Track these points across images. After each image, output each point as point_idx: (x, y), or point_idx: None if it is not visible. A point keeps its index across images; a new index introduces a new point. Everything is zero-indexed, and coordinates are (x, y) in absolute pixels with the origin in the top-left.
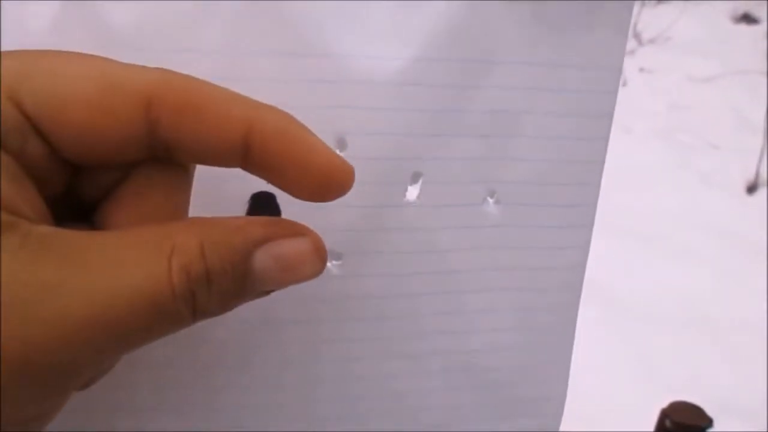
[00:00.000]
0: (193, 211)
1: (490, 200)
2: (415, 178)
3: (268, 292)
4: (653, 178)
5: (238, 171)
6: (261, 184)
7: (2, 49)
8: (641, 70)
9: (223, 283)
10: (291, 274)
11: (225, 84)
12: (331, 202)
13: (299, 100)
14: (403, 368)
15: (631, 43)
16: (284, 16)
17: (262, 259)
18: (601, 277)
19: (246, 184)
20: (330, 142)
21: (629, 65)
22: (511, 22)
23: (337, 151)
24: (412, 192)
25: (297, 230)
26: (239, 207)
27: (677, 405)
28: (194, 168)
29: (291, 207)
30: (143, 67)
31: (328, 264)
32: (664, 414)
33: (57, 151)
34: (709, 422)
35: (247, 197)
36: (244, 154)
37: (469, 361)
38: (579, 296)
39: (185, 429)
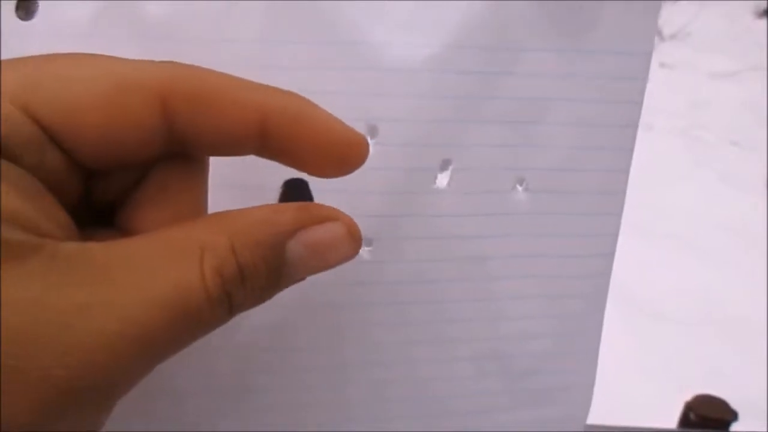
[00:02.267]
0: (225, 201)
1: (519, 187)
2: (444, 165)
3: (302, 279)
4: (672, 175)
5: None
6: (293, 171)
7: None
8: (662, 65)
9: (258, 279)
10: (326, 260)
11: (261, 72)
12: (358, 184)
13: (331, 87)
14: (432, 354)
15: None
16: (316, 5)
17: (295, 248)
18: (619, 274)
19: (277, 171)
20: (361, 128)
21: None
22: (540, 9)
23: (369, 138)
24: (442, 179)
25: (328, 215)
26: (271, 195)
27: (702, 398)
28: (209, 161)
29: (323, 194)
30: (152, 62)
31: (360, 250)
32: (689, 407)
33: (75, 158)
34: (734, 416)
35: (278, 184)
36: (260, 139)
37: (498, 348)
38: (608, 285)
39: (220, 409)
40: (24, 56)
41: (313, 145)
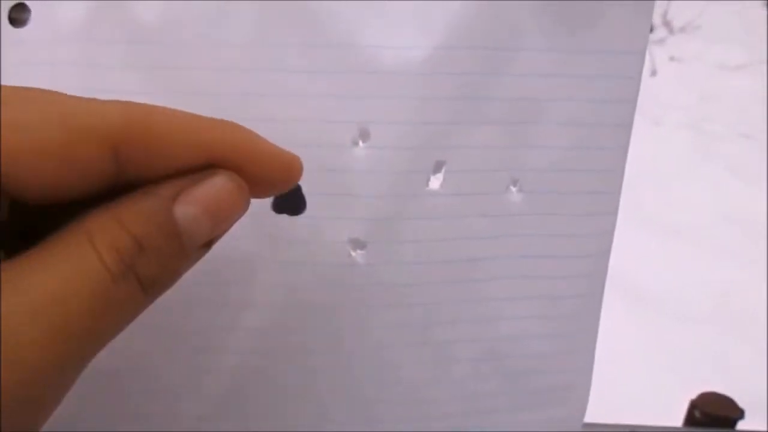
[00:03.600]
0: None
1: (513, 188)
2: (437, 167)
3: (209, 246)
4: (681, 168)
5: None
6: None
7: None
8: (671, 59)
9: (158, 245)
10: (219, 215)
11: (252, 75)
12: (350, 187)
13: (323, 90)
14: (428, 356)
15: (661, 32)
16: (307, 8)
17: (182, 210)
18: (628, 269)
19: None
20: (353, 131)
21: (659, 54)
22: (532, 9)
23: (360, 142)
24: (435, 181)
25: (210, 172)
26: (265, 199)
27: (707, 396)
28: None
29: (316, 197)
30: (104, 104)
31: (353, 253)
32: (694, 405)
33: (13, 196)
34: (741, 414)
35: None
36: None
37: (494, 349)
38: (603, 284)
39: (216, 412)
40: None
41: (254, 172)
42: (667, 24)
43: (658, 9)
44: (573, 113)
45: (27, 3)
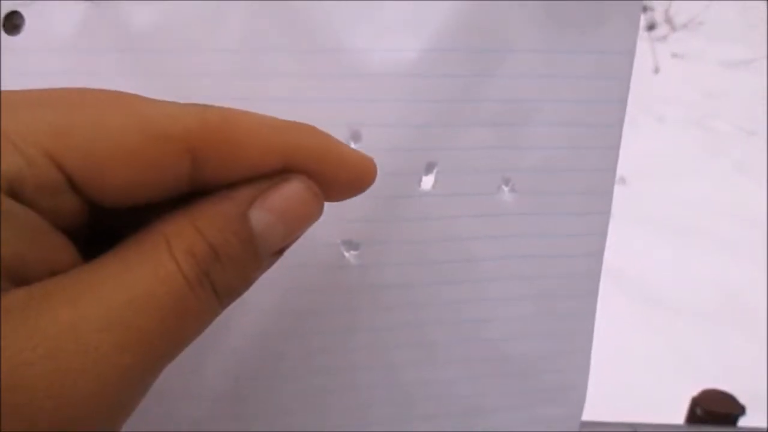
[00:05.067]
0: None
1: (505, 189)
2: (429, 168)
3: (281, 252)
4: (686, 166)
5: None
6: None
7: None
8: (674, 56)
9: (233, 252)
10: (294, 222)
11: (245, 80)
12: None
13: (315, 93)
14: (422, 357)
15: (663, 29)
16: (298, 12)
17: (258, 215)
18: (631, 266)
19: None
20: (345, 133)
21: (661, 51)
22: (522, 10)
23: (352, 143)
24: (427, 182)
25: (285, 177)
26: None
27: (709, 393)
28: None
29: None
30: (183, 107)
31: (346, 254)
32: (695, 402)
33: (93, 200)
34: (742, 410)
35: None
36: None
37: (488, 349)
38: (598, 283)
39: (212, 414)
40: (54, 90)
41: (330, 176)
42: (669, 21)
43: (661, 6)
44: (563, 113)
45: (21, 11)
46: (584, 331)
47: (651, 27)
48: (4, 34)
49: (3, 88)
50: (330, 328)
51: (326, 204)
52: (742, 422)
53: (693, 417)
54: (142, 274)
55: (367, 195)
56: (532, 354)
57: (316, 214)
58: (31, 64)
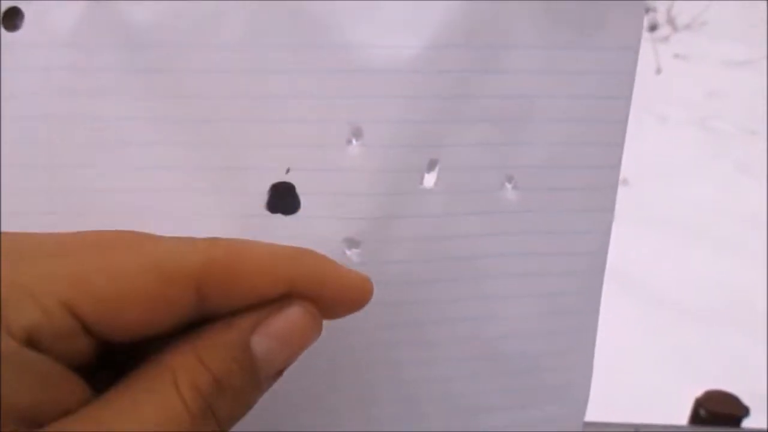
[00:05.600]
0: (213, 207)
1: (508, 186)
2: (431, 166)
3: (281, 373)
4: (688, 166)
5: (256, 162)
6: (280, 175)
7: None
8: (676, 56)
9: (236, 382)
10: (294, 345)
11: (245, 76)
12: (344, 186)
13: (315, 90)
14: (424, 355)
15: (665, 29)
16: (299, 9)
17: (260, 342)
18: (634, 267)
19: (264, 175)
20: (346, 131)
21: (664, 52)
22: (524, 6)
23: (353, 141)
24: (429, 179)
25: (285, 303)
26: (259, 200)
27: (712, 394)
28: None
29: (310, 197)
30: (189, 243)
31: (347, 252)
32: (699, 403)
33: (104, 339)
34: (746, 411)
35: (266, 188)
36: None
37: (491, 347)
38: (602, 281)
39: None
40: (69, 235)
41: (328, 299)
42: (671, 22)
43: (663, 6)
44: (567, 110)
45: (20, 7)
46: (587, 330)
47: (653, 28)
48: (3, 30)
49: (3, 84)
50: (330, 325)
51: (326, 202)
52: (746, 423)
53: (696, 418)
54: (148, 409)
55: (368, 192)
56: (534, 352)
57: (315, 335)
58: (31, 60)
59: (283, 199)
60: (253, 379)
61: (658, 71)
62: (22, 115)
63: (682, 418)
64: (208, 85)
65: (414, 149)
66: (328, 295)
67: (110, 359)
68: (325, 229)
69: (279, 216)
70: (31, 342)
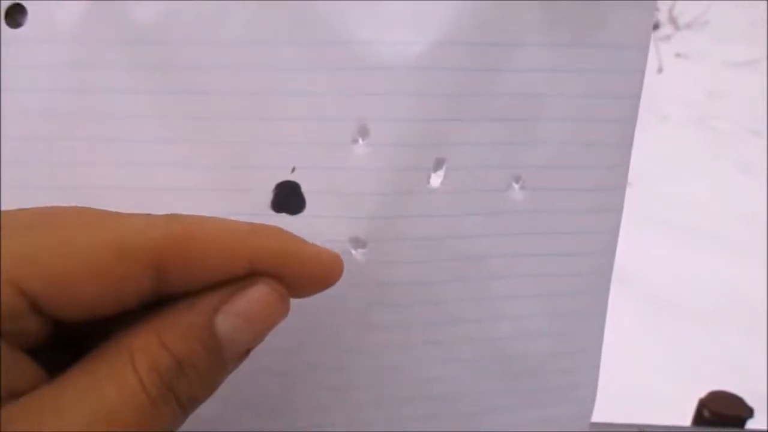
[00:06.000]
0: (216, 205)
1: (516, 185)
2: (438, 165)
3: (247, 353)
4: (689, 166)
5: (261, 160)
6: (285, 174)
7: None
8: (677, 55)
9: (198, 362)
10: (260, 325)
11: (250, 73)
12: (350, 185)
13: (321, 87)
14: (431, 355)
15: (667, 29)
16: (304, 5)
17: (223, 321)
18: (637, 267)
19: (269, 174)
20: (352, 129)
21: (665, 51)
22: (533, 4)
23: (360, 139)
24: (436, 178)
25: (250, 281)
26: (263, 199)
27: (716, 394)
28: None
29: (315, 196)
30: (147, 220)
31: (353, 251)
32: (702, 404)
33: (57, 318)
34: (750, 413)
35: (270, 187)
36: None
37: (498, 348)
38: (609, 282)
39: (221, 412)
40: (21, 212)
41: (295, 276)
42: (673, 21)
43: (664, 6)
44: (576, 109)
45: (24, 4)
46: (594, 330)
47: (655, 27)
48: (6, 27)
49: (6, 82)
50: (336, 325)
51: (332, 201)
52: (750, 424)
53: (700, 419)
54: (105, 391)
55: (375, 192)
56: (541, 353)
57: (282, 314)
58: (34, 57)
59: (288, 198)
60: (217, 360)
61: (660, 70)
62: (25, 111)
63: (685, 418)
64: (213, 83)
65: (421, 148)
66: (294, 272)
67: (71, 343)
68: (330, 229)
69: (284, 215)
70: None
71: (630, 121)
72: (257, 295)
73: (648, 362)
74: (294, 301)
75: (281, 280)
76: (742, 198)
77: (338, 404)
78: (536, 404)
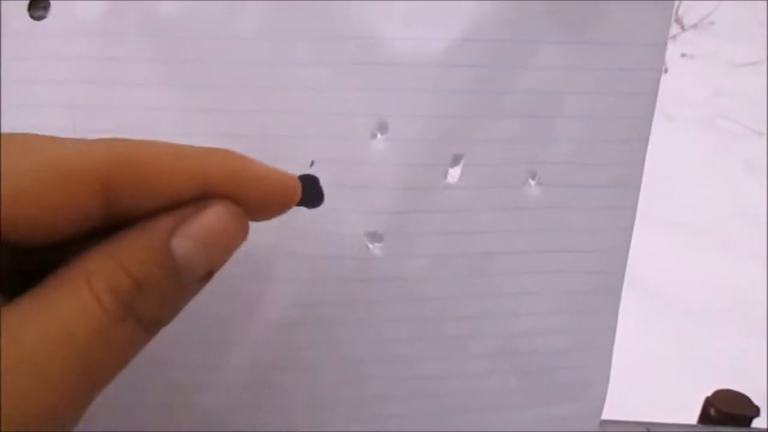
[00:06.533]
0: None
1: (532, 182)
2: (455, 160)
3: (210, 275)
4: (695, 166)
5: (279, 154)
6: (304, 168)
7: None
8: (683, 55)
9: (157, 283)
10: (217, 247)
11: (269, 69)
12: (368, 180)
13: (340, 83)
14: (444, 351)
15: (673, 29)
16: (324, 1)
17: (179, 244)
18: (641, 267)
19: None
20: (371, 124)
21: (671, 51)
22: (551, 3)
23: (378, 134)
24: (453, 174)
25: (205, 203)
26: None
27: (722, 393)
28: None
29: (334, 189)
30: (89, 143)
31: (370, 246)
32: (709, 402)
33: (6, 241)
34: (756, 411)
35: None
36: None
37: (510, 344)
38: (622, 279)
39: (232, 405)
40: None
41: (250, 198)
42: (679, 21)
43: None
44: (592, 106)
45: None
46: (606, 328)
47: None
48: (29, 20)
49: (27, 75)
50: (352, 319)
51: (350, 195)
52: (756, 423)
53: (706, 417)
54: (63, 313)
55: (392, 186)
56: (553, 350)
57: (240, 236)
58: (57, 50)
59: (306, 191)
60: (176, 282)
61: (665, 70)
62: (47, 103)
63: (692, 417)
64: (232, 76)
65: (439, 144)
66: (249, 193)
67: (31, 273)
68: (348, 223)
69: (302, 209)
70: None
71: (646, 118)
72: (212, 217)
73: (654, 361)
74: (307, 295)
75: (238, 201)
76: (747, 198)
77: (350, 398)
78: (548, 401)
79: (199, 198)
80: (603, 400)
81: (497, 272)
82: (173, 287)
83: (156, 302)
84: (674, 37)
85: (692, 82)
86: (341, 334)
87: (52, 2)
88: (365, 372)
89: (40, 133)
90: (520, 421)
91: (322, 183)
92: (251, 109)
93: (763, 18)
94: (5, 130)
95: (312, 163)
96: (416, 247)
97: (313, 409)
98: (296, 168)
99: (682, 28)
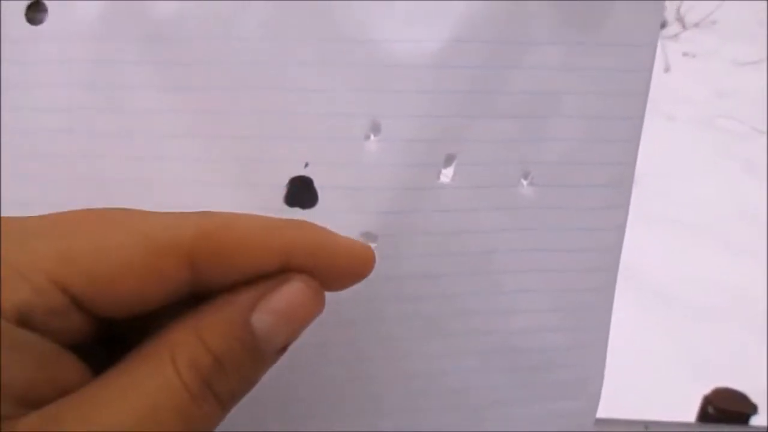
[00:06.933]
0: (231, 200)
1: (525, 182)
2: (448, 160)
3: (285, 348)
4: (696, 165)
5: (274, 155)
6: (298, 169)
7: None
8: (685, 54)
9: (236, 359)
10: (296, 321)
11: (266, 69)
12: (362, 181)
13: (334, 83)
14: (440, 349)
15: (674, 27)
16: (320, 3)
17: (260, 319)
18: (642, 265)
19: (282, 169)
20: (364, 125)
21: (672, 50)
22: (543, 3)
23: (371, 135)
24: (446, 174)
25: (285, 277)
26: (276, 193)
27: (721, 391)
28: None
29: (327, 191)
30: (179, 217)
31: None
32: (707, 400)
33: (99, 315)
34: (754, 409)
35: (284, 182)
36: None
37: (505, 342)
38: (615, 278)
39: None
40: (57, 215)
41: (329, 271)
42: (680, 20)
43: (672, 5)
44: (584, 106)
45: (44, 1)
46: (601, 326)
47: (662, 25)
48: (27, 24)
49: (26, 78)
50: (346, 319)
51: (344, 196)
52: (755, 421)
53: (705, 415)
54: (147, 388)
55: (386, 187)
56: (548, 348)
57: (318, 310)
58: (54, 53)
59: (301, 193)
60: (255, 357)
61: (667, 69)
62: (45, 107)
63: (690, 415)
64: (228, 78)
65: (432, 144)
66: (328, 265)
67: (117, 341)
68: (342, 223)
69: (297, 210)
70: (23, 321)
71: (637, 118)
72: (293, 292)
73: (653, 359)
74: None
75: (315, 274)
76: (748, 197)
77: (345, 396)
78: (544, 398)
79: (280, 270)
80: (598, 397)
81: (492, 271)
82: (251, 362)
83: (234, 378)
84: (676, 35)
85: (694, 80)
86: (333, 333)
87: (49, 6)
88: (359, 370)
89: (40, 133)
90: (517, 418)
91: (316, 184)
92: (247, 110)
93: (764, 17)
94: (5, 132)
95: (306, 165)
96: (410, 246)
97: (309, 408)
98: (291, 169)
99: (684, 26)
